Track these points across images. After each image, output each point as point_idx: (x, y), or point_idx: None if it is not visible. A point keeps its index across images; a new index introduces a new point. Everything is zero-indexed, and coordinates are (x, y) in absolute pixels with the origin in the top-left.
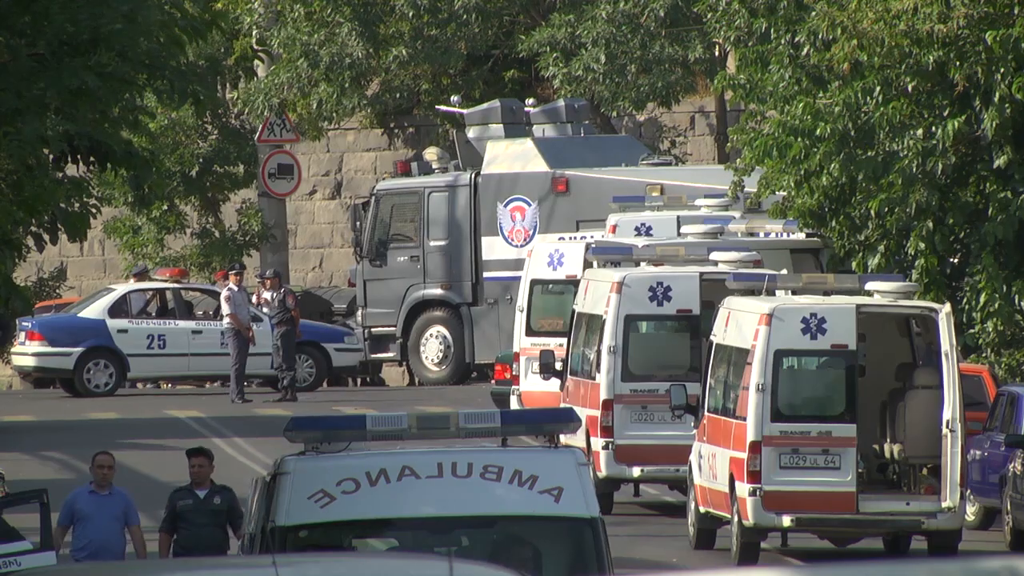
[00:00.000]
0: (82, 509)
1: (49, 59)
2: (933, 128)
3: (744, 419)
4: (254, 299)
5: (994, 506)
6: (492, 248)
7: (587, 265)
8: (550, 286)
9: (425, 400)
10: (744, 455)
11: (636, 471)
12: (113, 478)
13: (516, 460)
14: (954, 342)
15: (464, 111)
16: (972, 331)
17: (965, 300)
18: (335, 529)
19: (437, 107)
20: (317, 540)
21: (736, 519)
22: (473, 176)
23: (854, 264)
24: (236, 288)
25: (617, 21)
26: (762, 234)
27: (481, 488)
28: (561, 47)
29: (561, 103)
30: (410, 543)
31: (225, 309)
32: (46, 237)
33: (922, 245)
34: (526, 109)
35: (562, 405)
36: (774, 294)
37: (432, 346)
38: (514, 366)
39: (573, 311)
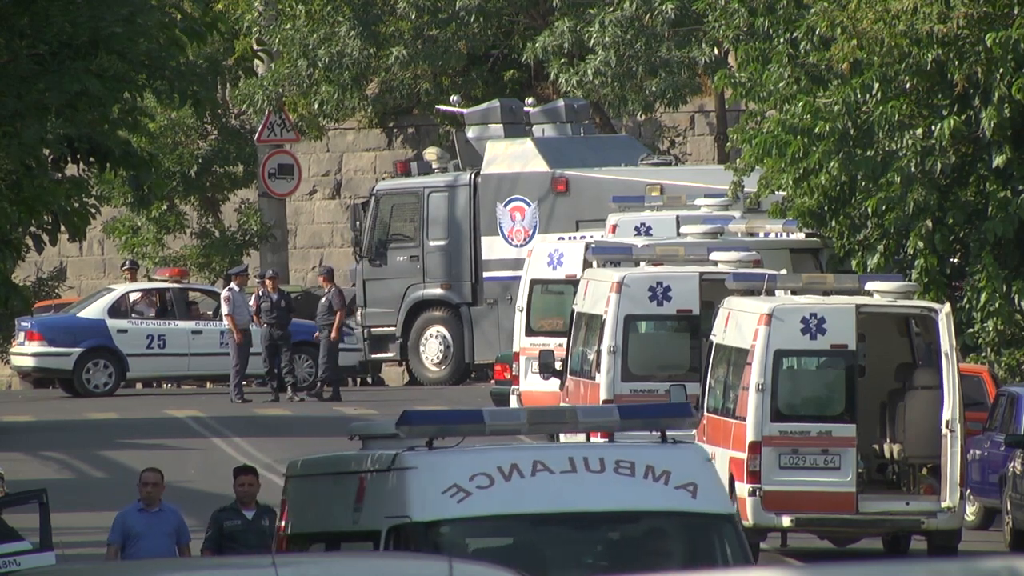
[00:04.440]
0: (133, 528)
1: (49, 60)
2: (932, 127)
3: (744, 419)
4: (252, 301)
5: (994, 506)
6: (492, 248)
7: (587, 265)
8: (550, 286)
9: (425, 400)
10: (744, 455)
11: None
12: (161, 494)
13: (646, 455)
14: (954, 342)
15: (464, 111)
16: (972, 330)
17: (965, 300)
18: (475, 524)
19: (437, 107)
20: (456, 536)
21: None
22: (473, 176)
23: (853, 264)
24: (237, 289)
25: (624, 25)
26: (762, 234)
27: (618, 483)
28: (566, 52)
29: (561, 103)
30: (553, 538)
31: (224, 309)
32: (45, 238)
33: (921, 245)
34: (526, 109)
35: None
36: (774, 294)
37: (432, 346)
38: (514, 366)
39: (573, 311)
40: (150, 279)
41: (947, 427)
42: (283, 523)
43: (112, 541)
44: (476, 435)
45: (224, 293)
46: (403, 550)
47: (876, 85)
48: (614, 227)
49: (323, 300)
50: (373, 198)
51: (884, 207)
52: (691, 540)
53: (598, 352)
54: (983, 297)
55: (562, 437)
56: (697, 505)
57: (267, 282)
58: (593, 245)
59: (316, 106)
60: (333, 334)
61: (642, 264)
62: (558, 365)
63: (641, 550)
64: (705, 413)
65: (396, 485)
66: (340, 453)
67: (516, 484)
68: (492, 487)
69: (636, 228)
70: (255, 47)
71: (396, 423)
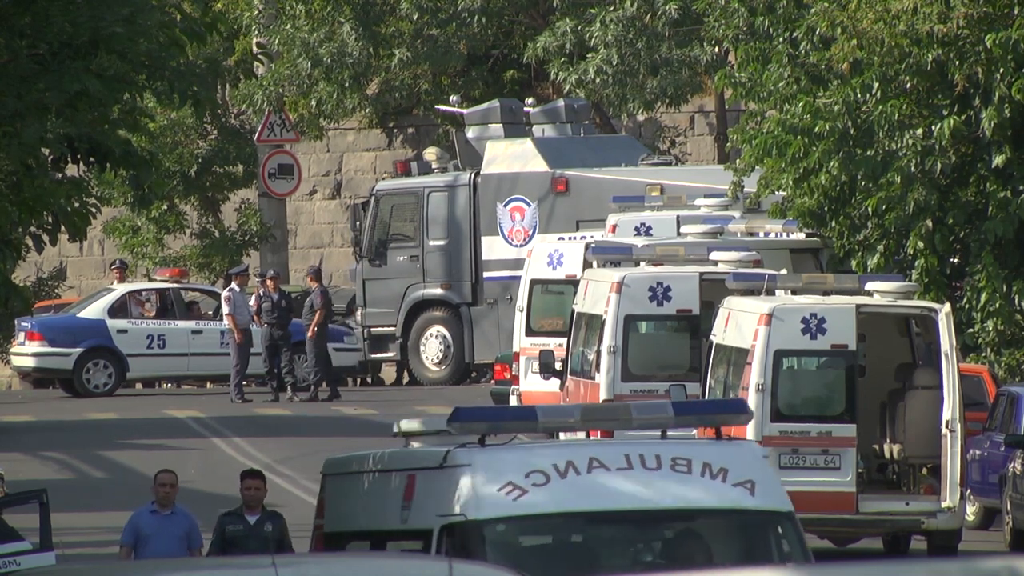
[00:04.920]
0: (143, 529)
1: (49, 60)
2: (932, 127)
3: None
4: (252, 301)
5: (994, 506)
6: (492, 248)
7: (587, 265)
8: (550, 286)
9: (425, 400)
10: None
11: None
12: (176, 496)
13: (702, 452)
14: (954, 342)
15: (464, 111)
16: (972, 330)
17: (965, 300)
18: (531, 522)
19: (437, 107)
20: (512, 534)
21: None
22: (473, 176)
23: (854, 264)
24: (238, 289)
25: (625, 24)
26: (762, 234)
27: (675, 481)
28: (567, 52)
29: (561, 103)
30: (610, 536)
31: (224, 309)
32: (45, 238)
33: (921, 244)
34: (526, 109)
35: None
36: (774, 294)
37: (432, 346)
38: (514, 366)
39: (573, 311)
40: (150, 279)
41: (947, 427)
42: (320, 521)
43: (124, 542)
44: (528, 432)
45: (224, 293)
46: (456, 549)
47: (876, 85)
48: (614, 227)
49: (307, 300)
50: (373, 198)
51: (884, 207)
52: (749, 538)
53: (598, 352)
54: (983, 297)
55: (562, 435)
56: (755, 503)
57: (268, 282)
58: (593, 245)
59: (315, 105)
60: (310, 333)
61: (642, 264)
62: (558, 365)
63: (699, 548)
64: None
65: (449, 483)
66: (384, 450)
67: (572, 481)
68: (548, 484)
69: (636, 228)
70: (256, 51)
71: (448, 420)
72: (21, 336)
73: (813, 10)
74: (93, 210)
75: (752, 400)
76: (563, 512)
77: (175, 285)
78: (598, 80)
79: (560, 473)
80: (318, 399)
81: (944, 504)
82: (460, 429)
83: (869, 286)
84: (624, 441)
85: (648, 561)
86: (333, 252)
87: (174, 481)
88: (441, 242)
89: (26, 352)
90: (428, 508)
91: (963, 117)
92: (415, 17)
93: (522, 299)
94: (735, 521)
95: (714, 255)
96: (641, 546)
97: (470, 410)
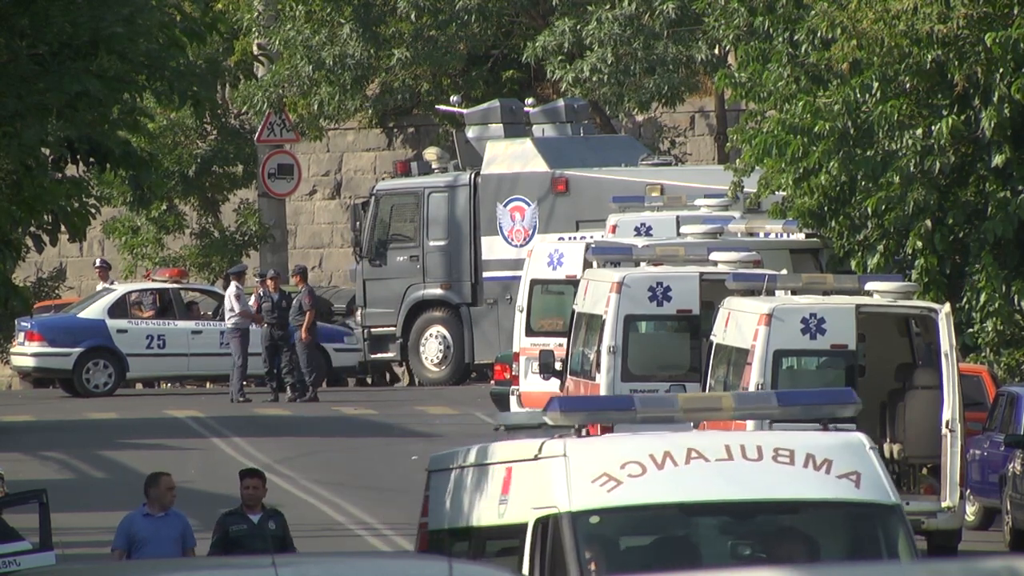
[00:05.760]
0: (138, 533)
1: (49, 61)
2: (932, 127)
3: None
4: (252, 300)
5: (994, 506)
6: (492, 248)
7: (587, 265)
8: (550, 286)
9: (425, 400)
10: None
11: None
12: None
13: (805, 443)
14: (954, 342)
15: (464, 111)
16: (971, 330)
17: (965, 300)
18: (626, 514)
19: (437, 107)
20: (606, 526)
21: None
22: (473, 176)
23: (853, 264)
24: (241, 287)
25: (623, 23)
26: (762, 234)
27: (777, 472)
28: (566, 51)
29: (561, 103)
30: (708, 528)
31: (236, 307)
32: (45, 238)
33: (921, 244)
34: (526, 109)
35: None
36: (774, 294)
37: (432, 346)
38: (514, 366)
39: (573, 311)
40: (152, 279)
41: (947, 427)
42: (425, 519)
43: (117, 547)
44: (626, 422)
45: (231, 291)
46: (550, 541)
47: (876, 85)
48: (614, 227)
49: (295, 302)
50: (373, 198)
51: (884, 207)
52: (854, 531)
53: (598, 352)
54: (983, 297)
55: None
56: (861, 495)
57: (268, 282)
58: (593, 245)
59: (316, 107)
60: (303, 336)
61: (642, 264)
62: (558, 365)
63: (801, 542)
64: None
65: (544, 474)
66: (485, 444)
67: (669, 472)
68: (644, 475)
69: (636, 228)
70: (256, 52)
71: (543, 410)
72: (21, 336)
73: (813, 11)
74: (93, 210)
75: None
76: (659, 504)
77: (175, 285)
78: (594, 78)
79: (657, 464)
80: (318, 399)
81: (944, 504)
82: (557, 419)
83: (869, 286)
84: (725, 431)
85: (747, 555)
86: (333, 252)
87: (173, 485)
88: (441, 242)
89: (26, 352)
90: (524, 501)
91: (963, 117)
92: (414, 17)
93: (522, 299)
94: (840, 514)
95: (714, 255)
96: (740, 539)
97: (568, 399)
